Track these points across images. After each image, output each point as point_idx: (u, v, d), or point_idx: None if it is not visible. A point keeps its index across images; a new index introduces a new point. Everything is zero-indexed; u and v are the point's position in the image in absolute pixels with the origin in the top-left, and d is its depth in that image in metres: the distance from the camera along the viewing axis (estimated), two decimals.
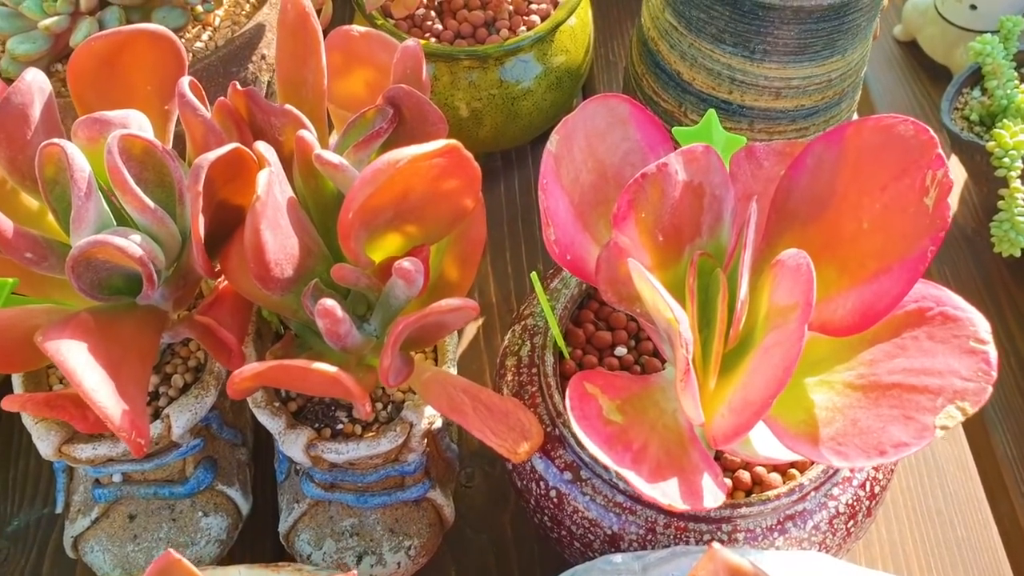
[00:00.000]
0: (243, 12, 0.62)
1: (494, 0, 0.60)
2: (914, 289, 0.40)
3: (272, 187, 0.41)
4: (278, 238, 0.41)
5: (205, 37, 0.60)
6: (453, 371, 0.49)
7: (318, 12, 0.57)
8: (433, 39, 0.61)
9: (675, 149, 0.48)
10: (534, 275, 0.47)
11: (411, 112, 0.47)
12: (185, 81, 0.44)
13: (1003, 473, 0.65)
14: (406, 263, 0.41)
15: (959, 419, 0.35)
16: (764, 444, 0.41)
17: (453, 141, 0.42)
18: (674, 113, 0.61)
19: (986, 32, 0.84)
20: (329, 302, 0.39)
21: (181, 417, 0.48)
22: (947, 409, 0.35)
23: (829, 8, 0.52)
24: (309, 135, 0.44)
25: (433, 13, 0.62)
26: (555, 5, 0.62)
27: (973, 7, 0.84)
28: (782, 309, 0.38)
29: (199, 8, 0.58)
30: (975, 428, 0.70)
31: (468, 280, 0.47)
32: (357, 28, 0.51)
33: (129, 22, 0.58)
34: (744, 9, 0.53)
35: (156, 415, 0.49)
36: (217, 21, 0.61)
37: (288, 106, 0.47)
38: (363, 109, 0.48)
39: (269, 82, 0.62)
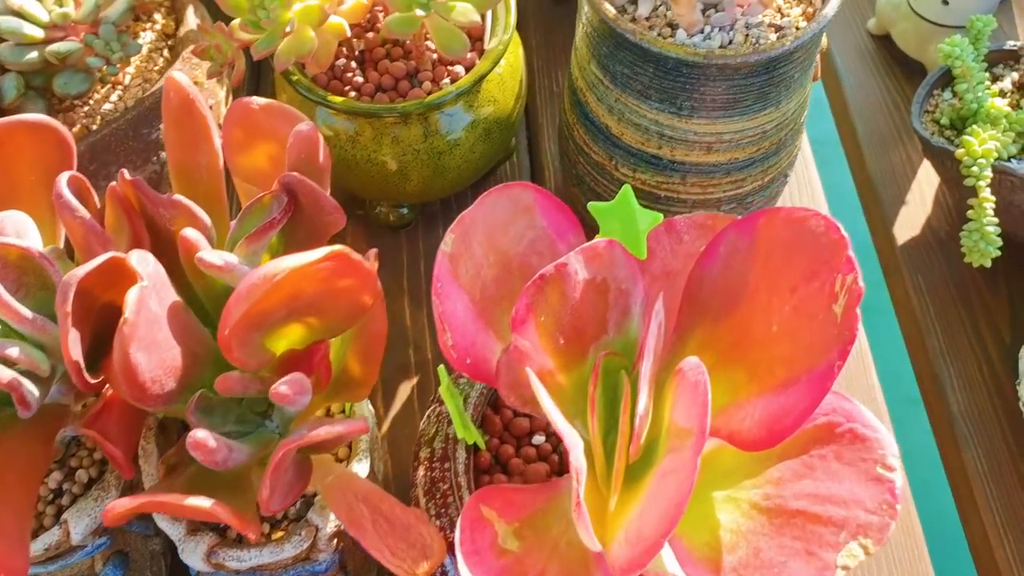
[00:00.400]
0: (155, 68, 0.59)
1: (416, 49, 0.57)
2: (825, 400, 0.37)
3: (144, 304, 0.38)
4: (154, 355, 0.39)
5: (114, 98, 0.58)
6: (364, 467, 0.47)
7: (231, 67, 0.55)
8: (353, 92, 0.58)
9: (584, 235, 0.45)
10: (441, 369, 0.44)
11: (307, 200, 0.44)
12: (63, 180, 0.42)
13: (974, 491, 0.64)
14: (283, 387, 0.39)
15: (860, 558, 0.33)
16: (673, 562, 0.39)
17: (339, 248, 0.39)
18: (605, 166, 0.58)
19: (960, 27, 0.82)
20: (200, 434, 0.37)
21: (80, 523, 0.46)
22: (850, 546, 0.33)
23: (757, 64, 0.49)
24: (194, 234, 0.42)
25: (353, 64, 0.59)
26: (480, 53, 0.59)
27: (945, 2, 0.81)
28: (680, 431, 0.36)
29: (104, 69, 0.56)
30: (946, 442, 0.68)
31: (372, 375, 0.45)
32: (257, 101, 0.48)
33: (29, 88, 0.55)
34: (668, 66, 0.50)
35: (59, 514, 0.47)
36: (127, 79, 0.59)
37: (177, 197, 0.44)
38: (259, 195, 0.45)
39: None
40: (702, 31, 0.51)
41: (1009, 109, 0.71)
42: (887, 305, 0.80)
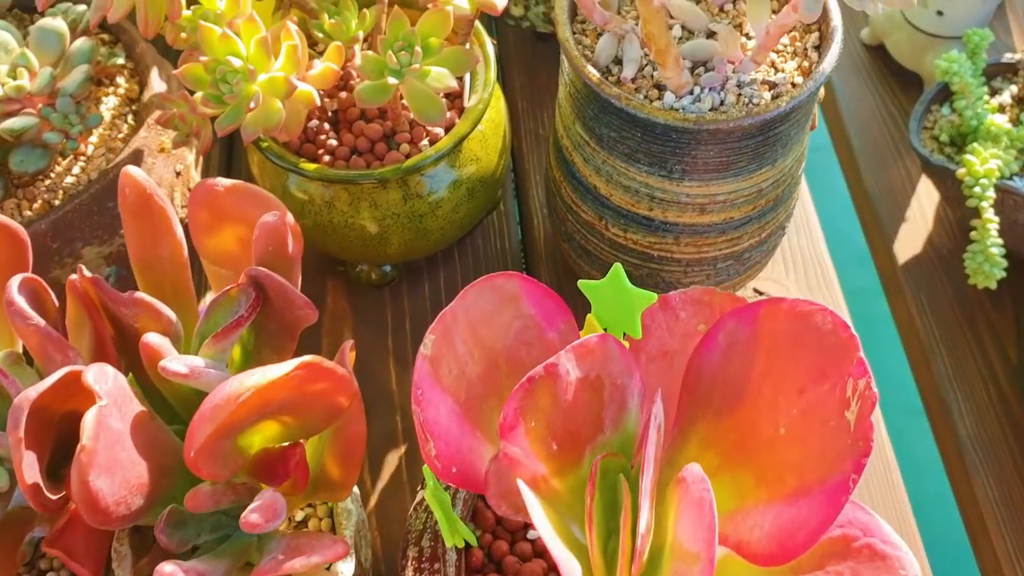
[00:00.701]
0: (119, 136, 0.56)
1: (392, 110, 0.55)
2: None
3: (104, 425, 0.35)
4: (118, 476, 0.36)
5: (77, 170, 0.55)
6: (348, 567, 0.44)
7: (196, 135, 0.52)
8: (327, 156, 0.55)
9: (574, 320, 0.43)
10: (427, 469, 0.41)
11: (275, 294, 0.42)
12: (14, 285, 0.39)
13: (985, 517, 0.62)
14: (253, 516, 0.36)
15: None
16: None
17: (309, 359, 0.36)
18: (595, 225, 0.55)
19: (955, 38, 0.80)
20: (167, 568, 0.35)
21: None
22: None
23: (751, 127, 0.47)
24: (156, 339, 0.39)
25: (327, 126, 0.56)
26: (460, 111, 0.56)
27: (940, 13, 0.80)
28: (686, 555, 0.33)
29: (64, 143, 0.53)
30: (955, 468, 0.66)
31: (351, 479, 0.42)
32: (222, 182, 0.45)
33: None
34: (656, 131, 0.48)
35: None
36: (90, 149, 0.56)
37: (138, 295, 0.41)
38: (226, 288, 0.42)
39: None
40: (691, 92, 0.48)
41: (1010, 126, 0.69)
42: (886, 313, 0.78)
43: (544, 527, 0.34)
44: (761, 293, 0.66)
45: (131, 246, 0.42)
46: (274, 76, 0.48)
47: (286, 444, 0.42)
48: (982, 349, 0.69)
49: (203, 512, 0.40)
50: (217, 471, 0.39)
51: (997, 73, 0.75)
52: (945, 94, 0.75)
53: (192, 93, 0.50)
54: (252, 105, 0.47)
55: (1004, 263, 0.64)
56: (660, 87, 0.49)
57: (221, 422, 0.35)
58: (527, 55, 0.78)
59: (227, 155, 0.73)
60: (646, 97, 0.49)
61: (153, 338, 0.39)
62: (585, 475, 0.38)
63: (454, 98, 0.58)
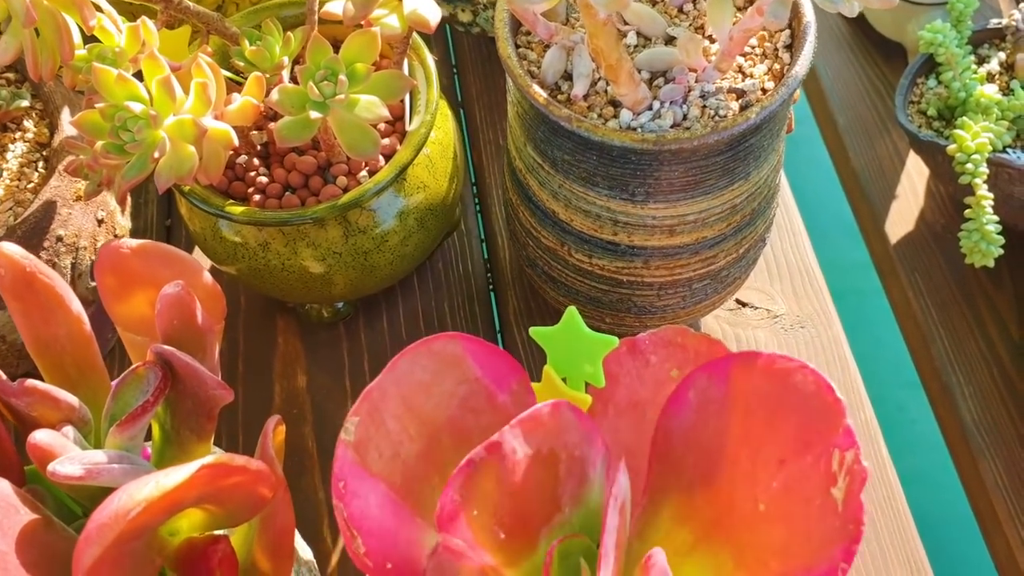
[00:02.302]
0: (28, 186, 0.51)
1: (325, 140, 0.50)
2: None
3: None
4: None
5: None
6: None
7: (108, 185, 0.47)
8: (258, 195, 0.50)
9: (527, 379, 0.38)
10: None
11: (185, 372, 0.37)
12: None
13: (995, 504, 0.59)
14: None
15: None
16: None
17: (210, 460, 0.32)
18: (557, 251, 0.50)
19: (938, 4, 0.76)
20: None
21: None
22: None
23: (718, 144, 0.42)
24: (44, 438, 0.34)
25: (256, 161, 0.51)
26: (402, 136, 0.51)
27: None
28: None
29: None
30: (961, 454, 0.63)
31: (284, 571, 0.37)
32: (127, 244, 0.40)
33: None
34: (613, 154, 0.43)
35: None
36: None
37: (30, 382, 0.37)
38: (132, 367, 0.38)
39: (73, 264, 0.52)
40: (650, 107, 0.43)
41: (1000, 96, 0.66)
42: (879, 286, 0.75)
43: None
44: (743, 304, 0.61)
45: (20, 328, 0.38)
46: (182, 119, 0.43)
47: (209, 536, 0.37)
48: (983, 329, 0.67)
49: None
50: None
51: (983, 40, 0.71)
52: (930, 66, 0.72)
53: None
54: (156, 155, 0.42)
55: (1001, 240, 0.61)
56: (616, 103, 0.44)
57: (111, 540, 0.30)
58: (483, 60, 0.73)
59: (167, 195, 0.68)
60: (600, 116, 0.44)
61: (42, 437, 0.34)
62: (541, 561, 0.33)
63: (395, 120, 0.53)
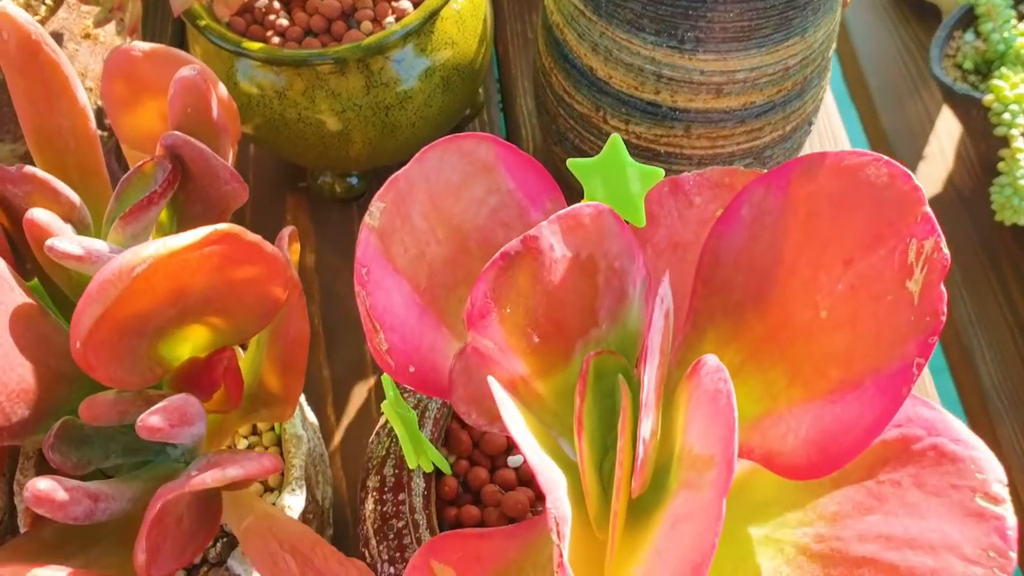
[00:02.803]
0: (37, 16, 0.49)
1: None
2: None
3: None
4: None
5: None
6: (298, 500, 0.37)
7: (120, 11, 0.44)
8: (277, 38, 0.47)
9: (564, 200, 0.35)
10: (386, 378, 0.34)
11: (196, 166, 0.34)
12: None
13: (1012, 473, 0.57)
14: (153, 419, 0.28)
15: None
16: None
17: (225, 227, 0.29)
18: (591, 118, 0.48)
19: None
20: (42, 484, 0.27)
21: None
22: None
23: None
24: (43, 216, 0.32)
25: (277, 4, 0.49)
26: None
27: None
28: (697, 460, 0.26)
29: None
30: (979, 419, 0.61)
31: (294, 389, 0.35)
32: (140, 46, 0.38)
33: None
34: None
35: None
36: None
37: (29, 169, 0.34)
38: (140, 162, 0.35)
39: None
40: None
41: None
42: None
43: (519, 432, 0.26)
44: None
45: (21, 113, 0.35)
46: None
47: (214, 351, 0.35)
48: (1007, 293, 0.65)
49: (108, 427, 0.33)
50: (121, 375, 0.31)
51: None
52: (968, 20, 0.70)
53: None
54: None
55: None
56: None
57: (115, 301, 0.27)
58: None
59: (179, 43, 0.65)
60: None
61: (39, 214, 0.31)
62: (575, 375, 0.31)
63: None
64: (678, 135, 0.46)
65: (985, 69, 0.69)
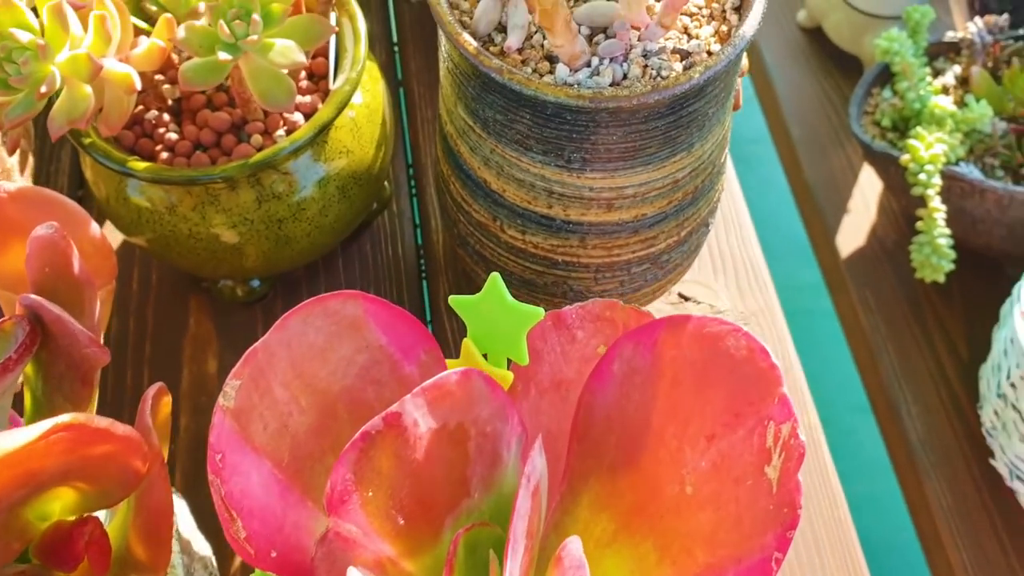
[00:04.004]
0: None
1: (241, 95, 0.46)
2: None
3: None
4: None
5: None
6: None
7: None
8: (166, 152, 0.46)
9: (439, 349, 0.34)
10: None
11: (56, 328, 0.33)
12: None
13: (938, 526, 0.58)
14: None
15: None
16: None
17: (68, 419, 0.28)
18: (489, 226, 0.47)
19: (895, 17, 0.77)
20: None
21: None
22: None
23: (659, 104, 0.39)
24: None
25: (167, 116, 0.47)
26: (325, 96, 0.48)
27: None
28: None
29: None
30: (906, 474, 0.62)
31: (161, 560, 0.33)
32: (5, 187, 0.36)
33: None
34: (547, 112, 0.39)
35: None
36: None
37: None
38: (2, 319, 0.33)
39: None
40: (588, 64, 0.40)
41: (955, 108, 0.66)
42: (831, 309, 0.74)
43: None
44: (686, 298, 0.58)
45: None
46: (76, 55, 0.39)
47: (78, 518, 0.33)
48: (931, 347, 0.66)
49: None
50: None
51: (939, 53, 0.71)
52: (886, 76, 0.72)
53: None
54: (44, 90, 0.38)
55: (952, 254, 0.60)
56: (552, 58, 0.41)
57: None
58: (424, 37, 0.70)
59: (79, 165, 0.64)
60: (535, 71, 0.41)
61: None
62: (444, 553, 0.30)
63: (318, 79, 0.49)
64: (574, 245, 0.46)
65: (903, 126, 0.70)
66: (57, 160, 0.63)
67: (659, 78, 0.40)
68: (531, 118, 0.40)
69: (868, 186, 0.76)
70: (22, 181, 0.52)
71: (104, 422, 0.29)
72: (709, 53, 0.41)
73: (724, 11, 0.42)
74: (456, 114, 0.45)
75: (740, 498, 0.26)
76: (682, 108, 0.40)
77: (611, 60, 0.40)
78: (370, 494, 0.28)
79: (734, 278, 0.59)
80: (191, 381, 0.55)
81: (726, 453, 0.27)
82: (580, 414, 0.31)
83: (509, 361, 0.36)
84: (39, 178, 0.61)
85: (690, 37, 0.41)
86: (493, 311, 0.35)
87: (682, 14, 0.42)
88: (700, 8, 0.42)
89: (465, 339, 0.36)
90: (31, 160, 0.55)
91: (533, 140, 0.41)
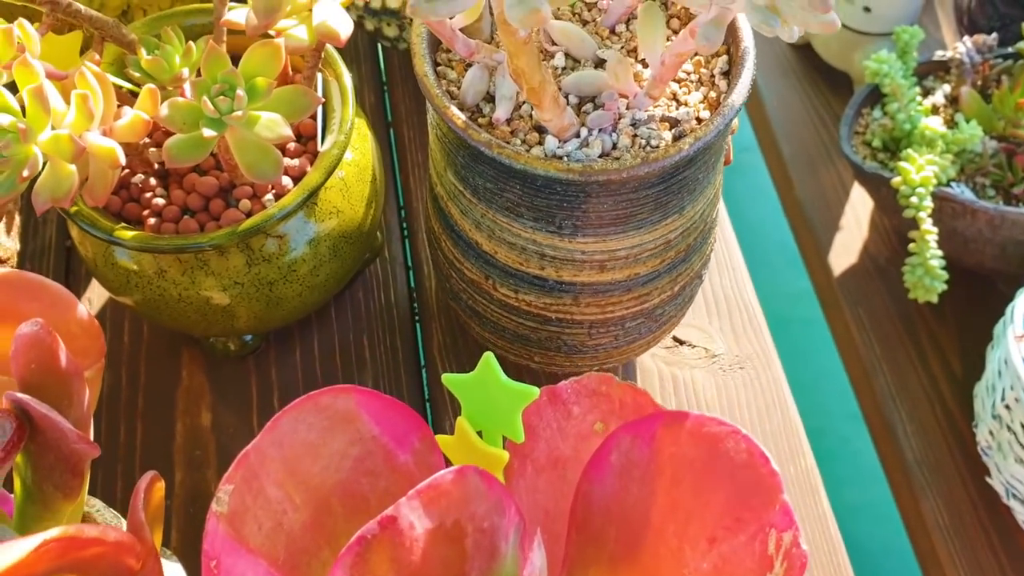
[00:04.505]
0: None
1: (227, 162, 0.45)
2: None
3: None
4: None
5: None
6: None
7: None
8: (153, 217, 0.46)
9: (431, 435, 0.34)
10: None
11: (44, 423, 0.32)
12: None
13: (936, 545, 0.58)
14: None
15: None
16: None
17: (57, 532, 0.27)
18: (481, 284, 0.47)
19: (884, 35, 0.77)
20: None
21: None
22: None
23: (649, 175, 0.39)
24: None
25: (154, 180, 0.47)
26: (313, 157, 0.47)
27: (867, 9, 0.77)
28: None
29: None
30: (902, 492, 0.62)
31: None
32: None
33: None
34: (537, 184, 0.39)
35: None
36: None
37: None
38: None
39: None
40: (578, 135, 0.40)
41: (945, 129, 0.66)
42: (821, 314, 0.74)
43: None
44: (681, 342, 0.58)
45: None
46: (58, 135, 0.38)
47: None
48: (926, 365, 0.66)
49: None
50: None
51: (928, 72, 0.71)
52: (876, 96, 0.71)
53: None
54: (26, 173, 0.37)
55: (945, 275, 0.61)
56: (541, 128, 0.41)
57: None
58: (414, 78, 0.69)
59: (62, 219, 0.63)
60: (524, 142, 0.40)
61: None
62: None
63: (306, 140, 0.49)
64: (567, 303, 0.46)
65: (893, 146, 0.70)
66: (44, 223, 0.63)
67: (649, 148, 0.39)
68: (521, 188, 0.40)
69: (860, 203, 0.76)
70: (9, 243, 0.52)
71: (94, 531, 0.28)
72: (699, 120, 0.41)
73: (713, 76, 0.42)
74: (446, 178, 0.44)
75: None
76: (672, 177, 0.40)
77: (600, 130, 0.40)
78: None
79: (728, 321, 0.59)
80: (185, 434, 0.55)
81: (728, 557, 0.26)
82: (579, 503, 0.31)
83: (504, 438, 0.36)
84: (27, 231, 0.61)
85: (679, 104, 0.41)
86: (488, 390, 0.34)
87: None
88: (688, 73, 0.42)
89: (460, 418, 0.36)
90: (17, 218, 0.55)
91: (524, 208, 0.41)
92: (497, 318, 0.48)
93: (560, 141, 0.40)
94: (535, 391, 0.34)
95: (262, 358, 0.57)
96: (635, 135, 0.40)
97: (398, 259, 0.62)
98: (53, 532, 0.27)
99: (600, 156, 0.39)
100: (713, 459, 0.27)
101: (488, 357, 0.34)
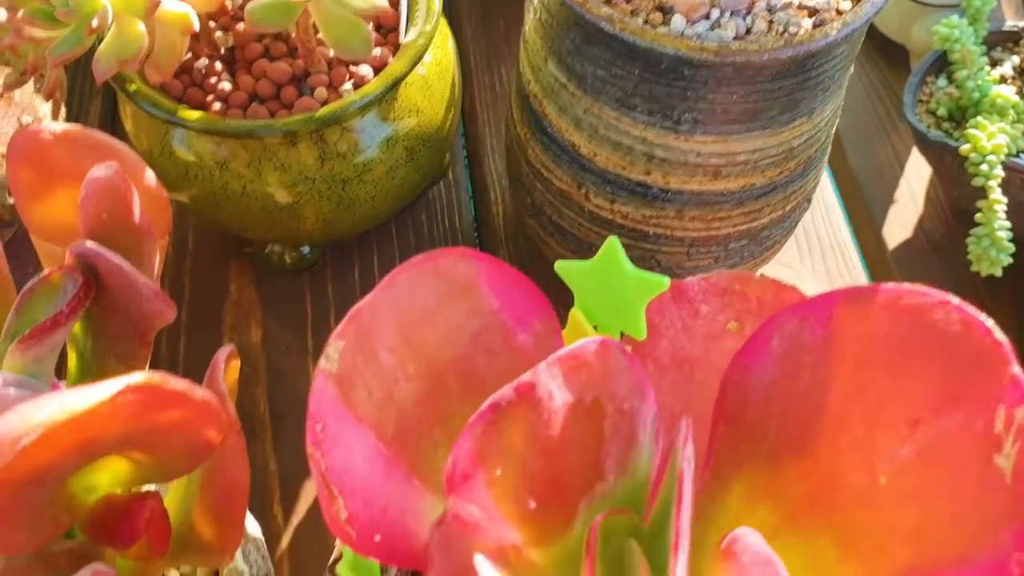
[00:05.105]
0: None
1: (304, 45, 0.41)
2: None
3: None
4: None
5: None
6: None
7: (34, 73, 0.38)
8: (219, 103, 0.42)
9: (555, 316, 0.30)
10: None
11: (114, 280, 0.28)
12: None
13: None
14: None
15: None
16: None
17: (141, 379, 0.23)
18: (571, 195, 0.43)
19: (948, 7, 0.72)
20: None
21: None
22: None
23: (790, 62, 0.35)
24: None
25: (219, 65, 0.43)
26: (395, 49, 0.43)
27: None
28: None
29: None
30: None
31: (231, 541, 0.29)
32: (51, 128, 0.32)
33: None
34: (661, 67, 0.35)
35: None
36: None
37: None
38: (46, 271, 0.29)
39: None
40: (707, 16, 0.36)
41: (1017, 98, 0.61)
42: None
43: None
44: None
45: None
46: None
47: (135, 492, 0.29)
48: None
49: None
50: (15, 539, 0.25)
51: (997, 43, 0.67)
52: (941, 65, 0.68)
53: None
54: (95, 23, 0.33)
55: (1011, 248, 0.56)
56: (665, 9, 0.37)
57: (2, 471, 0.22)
58: None
59: (111, 105, 0.59)
60: (646, 21, 0.36)
61: None
62: (577, 540, 0.26)
63: (387, 32, 0.45)
64: (669, 216, 0.41)
65: (959, 116, 0.67)
66: (85, 115, 0.59)
67: (787, 33, 0.35)
68: (640, 74, 0.36)
69: (915, 177, 0.72)
70: (55, 127, 0.48)
71: (181, 384, 0.24)
72: (838, 11, 0.37)
73: None
74: (545, 71, 0.40)
75: (959, 491, 0.22)
76: (812, 68, 0.36)
77: (733, 13, 0.36)
78: (498, 472, 0.24)
79: (821, 261, 0.55)
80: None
81: (936, 441, 0.22)
82: (728, 395, 0.27)
83: (622, 334, 0.32)
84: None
85: None
86: (608, 279, 0.31)
87: None
88: None
89: (573, 309, 0.32)
90: (63, 113, 0.51)
91: (639, 98, 0.37)
92: (585, 234, 0.44)
93: (688, 22, 0.36)
94: (665, 281, 0.30)
95: (317, 275, 0.53)
96: (771, 20, 0.36)
97: (461, 183, 0.58)
98: (136, 377, 0.23)
99: (734, 39, 0.35)
100: (916, 334, 0.23)
101: (613, 241, 0.30)
